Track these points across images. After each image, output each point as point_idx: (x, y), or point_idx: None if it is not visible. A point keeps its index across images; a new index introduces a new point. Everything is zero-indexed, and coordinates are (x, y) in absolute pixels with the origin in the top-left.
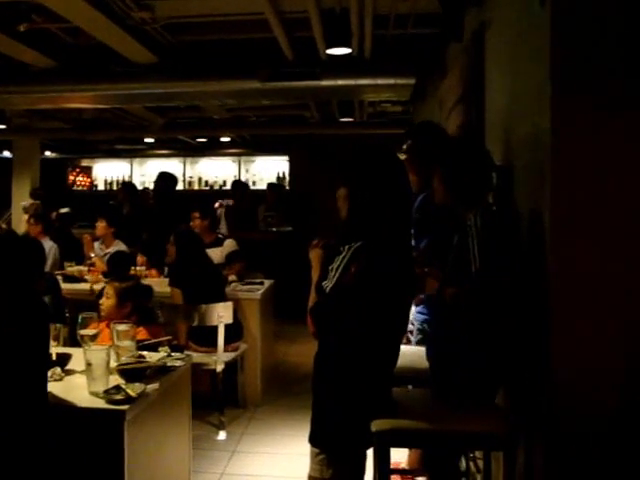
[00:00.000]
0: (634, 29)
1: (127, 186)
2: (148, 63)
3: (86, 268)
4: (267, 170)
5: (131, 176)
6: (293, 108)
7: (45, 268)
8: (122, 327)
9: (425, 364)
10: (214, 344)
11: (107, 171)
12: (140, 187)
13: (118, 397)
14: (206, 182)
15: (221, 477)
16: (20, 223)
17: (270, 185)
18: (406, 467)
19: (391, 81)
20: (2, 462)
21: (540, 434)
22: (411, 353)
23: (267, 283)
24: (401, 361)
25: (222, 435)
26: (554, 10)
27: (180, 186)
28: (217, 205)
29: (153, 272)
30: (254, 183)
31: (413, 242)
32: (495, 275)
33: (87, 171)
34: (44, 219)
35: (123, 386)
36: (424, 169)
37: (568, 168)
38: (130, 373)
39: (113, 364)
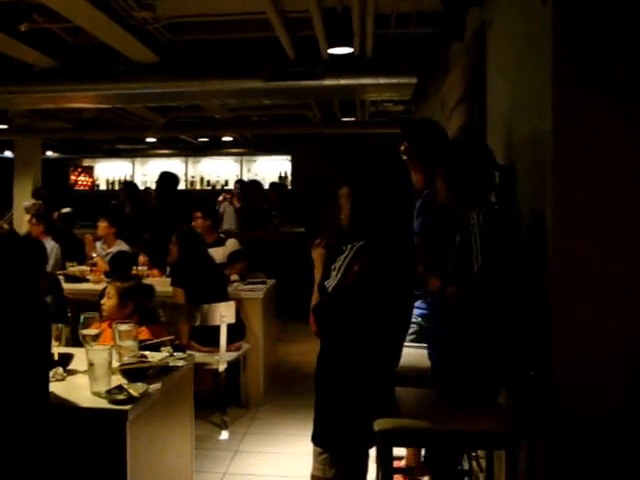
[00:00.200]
0: (635, 28)
1: (128, 186)
2: (149, 63)
3: (88, 268)
4: (269, 170)
5: (133, 176)
6: (295, 108)
7: (47, 268)
8: (124, 327)
9: (427, 363)
10: (216, 344)
11: (109, 171)
12: (142, 187)
13: (120, 397)
14: (208, 182)
15: (224, 477)
16: (22, 223)
17: (272, 185)
18: (403, 466)
19: (393, 80)
20: (4, 462)
21: (541, 433)
22: (413, 352)
23: (269, 283)
24: (403, 360)
25: (225, 435)
26: (556, 9)
27: (182, 186)
28: (221, 198)
29: (155, 272)
30: None
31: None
32: (496, 274)
33: (89, 171)
34: (46, 219)
35: (125, 386)
36: (426, 167)
37: (569, 168)
38: (132, 373)
39: (115, 364)
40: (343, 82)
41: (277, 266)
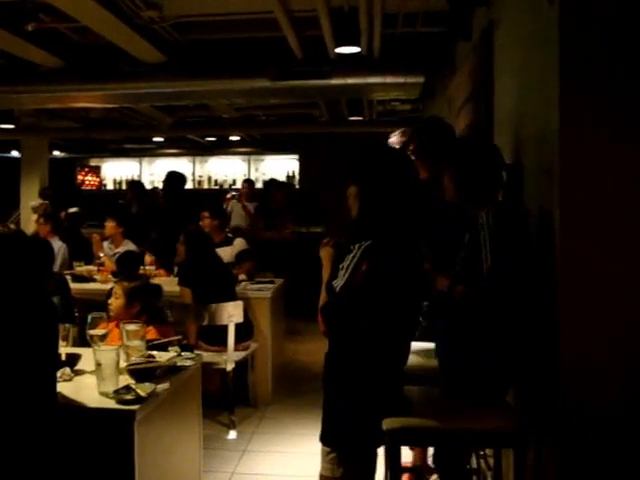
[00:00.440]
0: None
1: (135, 185)
2: (157, 62)
3: (95, 268)
4: (277, 169)
5: (140, 175)
6: (302, 107)
7: (54, 268)
8: (132, 327)
9: (434, 362)
10: (224, 343)
11: (116, 171)
12: (149, 186)
13: (128, 397)
14: (215, 181)
15: (232, 476)
16: (29, 223)
17: (279, 184)
18: (411, 465)
19: (400, 80)
20: (12, 462)
21: (550, 432)
22: (421, 351)
23: (277, 282)
24: (411, 359)
25: (233, 434)
26: (562, 8)
27: (190, 185)
28: (229, 196)
29: (162, 272)
30: (264, 182)
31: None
32: (504, 272)
33: (96, 171)
34: (53, 219)
35: (133, 386)
36: (432, 165)
37: (575, 167)
38: (140, 373)
39: (123, 364)
40: (350, 81)
41: (294, 267)
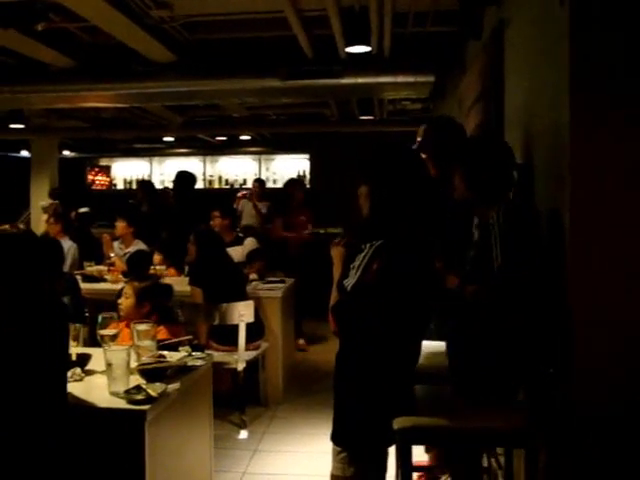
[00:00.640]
0: None
1: (145, 185)
2: (167, 62)
3: (106, 268)
4: (287, 168)
5: (150, 175)
6: (313, 106)
7: (64, 268)
8: (142, 327)
9: (445, 361)
10: (235, 343)
11: (126, 170)
12: (160, 186)
13: (139, 397)
14: (226, 181)
15: (243, 476)
16: (39, 223)
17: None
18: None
19: (410, 79)
20: (23, 463)
21: (561, 432)
22: (432, 350)
23: (288, 282)
24: (422, 358)
25: (243, 434)
26: (573, 8)
27: (200, 185)
28: (240, 195)
29: (172, 271)
30: (274, 181)
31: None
32: (515, 269)
33: (106, 170)
34: (63, 219)
35: (144, 386)
36: (442, 165)
37: (586, 166)
38: (151, 373)
39: (133, 364)
40: (361, 81)
41: (309, 269)
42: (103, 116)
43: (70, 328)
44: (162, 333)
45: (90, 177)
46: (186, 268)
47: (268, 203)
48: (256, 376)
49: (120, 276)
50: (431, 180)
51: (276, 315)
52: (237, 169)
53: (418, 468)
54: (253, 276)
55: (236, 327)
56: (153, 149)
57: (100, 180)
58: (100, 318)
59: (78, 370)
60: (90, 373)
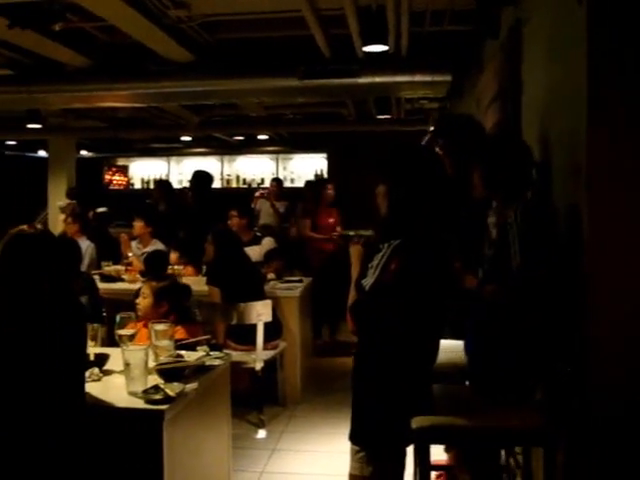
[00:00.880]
0: None
1: (162, 184)
2: (184, 61)
3: (123, 267)
4: (305, 168)
5: (168, 175)
6: (330, 105)
7: (82, 268)
8: (160, 326)
9: (463, 360)
10: (253, 342)
11: (144, 170)
12: (178, 186)
13: (157, 397)
14: (244, 180)
15: (261, 476)
16: (57, 223)
17: (308, 182)
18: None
19: (428, 78)
20: (41, 462)
21: (579, 430)
22: (450, 349)
23: (306, 281)
24: (440, 357)
25: (262, 433)
26: (591, 7)
27: (218, 184)
28: (258, 194)
29: (189, 270)
30: (292, 181)
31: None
32: (533, 268)
33: (123, 170)
34: (81, 218)
35: (162, 386)
36: (460, 163)
37: (603, 165)
38: (169, 373)
39: (151, 364)
40: (378, 80)
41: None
42: (120, 116)
43: (88, 328)
44: (180, 333)
45: (107, 177)
46: (204, 267)
47: (286, 202)
48: (274, 375)
49: (138, 276)
50: (448, 179)
51: (294, 314)
52: (255, 168)
53: (437, 467)
54: (271, 275)
55: (254, 327)
56: (170, 149)
57: (117, 180)
58: (118, 318)
59: (96, 370)
60: (108, 373)
